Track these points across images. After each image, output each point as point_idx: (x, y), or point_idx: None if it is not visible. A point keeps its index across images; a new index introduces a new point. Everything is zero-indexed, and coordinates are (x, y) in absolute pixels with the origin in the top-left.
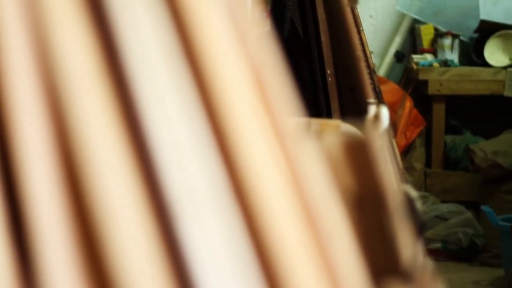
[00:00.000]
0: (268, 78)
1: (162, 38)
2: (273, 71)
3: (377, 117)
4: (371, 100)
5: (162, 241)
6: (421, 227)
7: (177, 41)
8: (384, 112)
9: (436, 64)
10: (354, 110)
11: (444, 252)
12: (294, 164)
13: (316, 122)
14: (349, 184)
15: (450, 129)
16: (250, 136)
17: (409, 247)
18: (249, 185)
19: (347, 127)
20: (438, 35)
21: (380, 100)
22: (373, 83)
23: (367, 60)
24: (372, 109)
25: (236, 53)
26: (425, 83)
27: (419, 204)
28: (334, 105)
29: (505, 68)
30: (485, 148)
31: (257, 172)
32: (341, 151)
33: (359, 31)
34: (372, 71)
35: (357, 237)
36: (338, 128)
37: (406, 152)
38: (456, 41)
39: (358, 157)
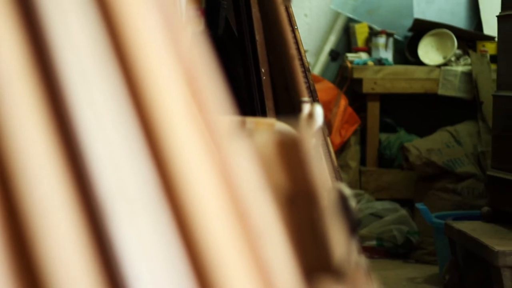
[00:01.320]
0: (200, 78)
1: (92, 36)
2: (205, 70)
3: (311, 115)
4: (306, 98)
5: (93, 239)
6: (355, 225)
7: (107, 40)
8: (318, 110)
9: (370, 63)
10: (288, 109)
11: (379, 250)
12: (226, 162)
13: (250, 120)
14: (281, 182)
15: (384, 127)
16: (181, 134)
17: (341, 245)
18: (180, 183)
19: (281, 126)
20: (373, 33)
21: (314, 99)
22: (307, 82)
23: (301, 59)
24: (306, 108)
25: (168, 52)
26: (359, 81)
27: (353, 202)
28: (269, 103)
29: (439, 66)
30: (419, 146)
31: (188, 171)
32: (273, 150)
33: (293, 30)
34: (306, 70)
35: (289, 235)
36: (272, 127)
37: (341, 150)
38: (391, 40)
39: (290, 155)
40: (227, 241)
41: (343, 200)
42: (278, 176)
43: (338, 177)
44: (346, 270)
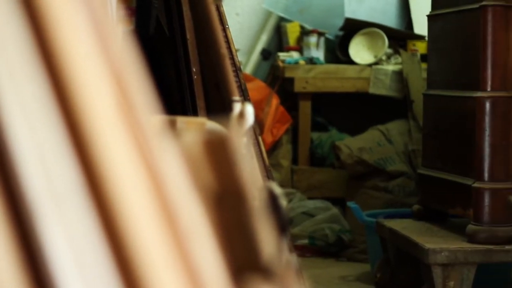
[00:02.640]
0: (129, 77)
1: (19, 36)
2: (135, 70)
3: (242, 114)
4: (237, 97)
5: (20, 239)
6: (286, 223)
7: (33, 39)
8: (249, 109)
9: (302, 62)
10: (219, 108)
11: (311, 248)
12: (154, 162)
13: (181, 120)
14: (208, 181)
15: (316, 126)
16: (109, 135)
17: (270, 244)
18: (107, 183)
19: (212, 125)
20: (304, 33)
21: (245, 98)
22: (238, 81)
23: (232, 58)
24: (237, 107)
25: (97, 52)
26: (291, 80)
27: (283, 201)
28: (200, 103)
29: (370, 65)
30: (350, 145)
31: (116, 171)
32: (201, 149)
33: (224, 29)
34: (238, 69)
35: (217, 234)
36: (203, 126)
37: (272, 149)
38: (322, 39)
39: (218, 154)
40: (155, 240)
41: (273, 199)
42: (206, 176)
43: (269, 176)
44: (275, 269)
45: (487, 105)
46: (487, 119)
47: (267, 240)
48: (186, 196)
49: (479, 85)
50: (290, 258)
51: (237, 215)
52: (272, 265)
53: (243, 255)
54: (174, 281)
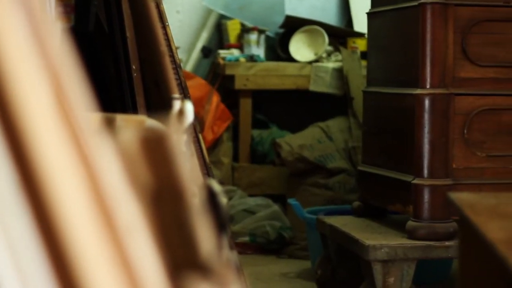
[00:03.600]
0: (66, 76)
1: None
2: (72, 68)
3: (181, 112)
4: (176, 95)
5: None
6: (225, 221)
7: None
8: (189, 107)
9: (242, 59)
10: (159, 105)
11: (252, 245)
12: (90, 160)
13: (120, 118)
14: (145, 179)
15: (257, 124)
16: (46, 132)
17: (209, 241)
18: (43, 182)
19: (152, 123)
20: (245, 30)
21: (186, 95)
22: (178, 78)
23: (172, 56)
24: (177, 104)
25: (34, 50)
26: (232, 78)
27: (223, 198)
28: (140, 100)
29: (310, 63)
30: (291, 142)
31: (53, 168)
32: (138, 147)
33: (164, 27)
34: (178, 67)
35: (155, 232)
36: (142, 124)
37: (213, 146)
38: (262, 36)
39: (155, 152)
40: (91, 238)
41: (213, 196)
42: (143, 173)
43: (209, 173)
44: (213, 266)
45: (426, 102)
46: (426, 116)
47: (206, 237)
48: (123, 193)
49: (418, 82)
50: (230, 256)
51: (175, 212)
52: (210, 263)
53: (181, 252)
54: (111, 278)
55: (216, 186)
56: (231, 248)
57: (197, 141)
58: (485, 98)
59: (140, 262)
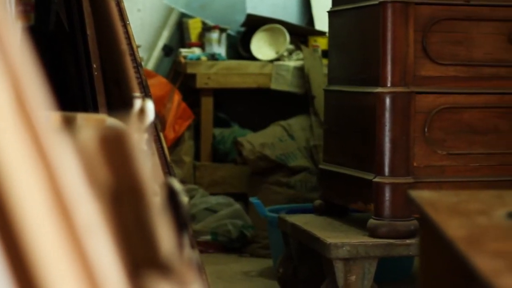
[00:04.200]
0: (25, 75)
1: None
2: (31, 68)
3: (142, 110)
4: (137, 94)
5: None
6: (186, 219)
7: None
8: (150, 105)
9: (204, 58)
10: (120, 104)
11: (214, 244)
12: (48, 160)
13: (81, 117)
14: (104, 178)
15: (218, 122)
16: (3, 132)
17: (169, 240)
18: (1, 181)
19: (112, 121)
20: (206, 29)
21: (147, 94)
22: (139, 77)
23: (133, 54)
24: (137, 103)
25: None
26: (193, 76)
27: (184, 197)
28: (101, 99)
29: (271, 61)
30: (252, 141)
31: (11, 167)
32: (97, 146)
33: (125, 25)
34: (138, 65)
35: (114, 231)
36: (102, 123)
37: (175, 145)
38: (224, 35)
39: (115, 151)
40: (50, 238)
41: (173, 195)
42: (102, 172)
43: (171, 172)
44: (174, 265)
45: (387, 100)
46: (387, 114)
47: (166, 236)
48: (82, 193)
49: (379, 81)
50: (191, 254)
51: (135, 211)
52: (170, 262)
53: (141, 251)
54: (70, 279)
55: (177, 185)
56: (192, 247)
57: (158, 140)
58: (445, 97)
59: (99, 261)
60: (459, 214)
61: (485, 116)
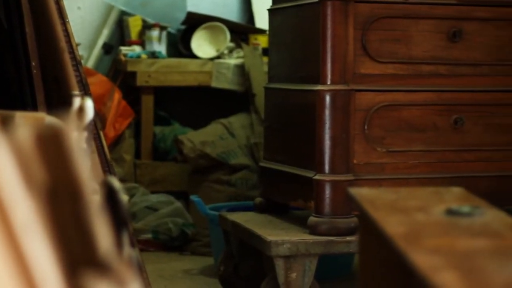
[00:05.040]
0: None
1: None
2: None
3: (81, 109)
4: (76, 92)
5: None
6: (126, 218)
7: None
8: (89, 104)
9: (144, 56)
10: (60, 103)
11: (155, 243)
12: None
13: (19, 115)
14: (41, 177)
15: (159, 120)
16: None
17: (107, 238)
18: None
19: (50, 120)
20: (146, 27)
21: (86, 92)
22: (79, 75)
23: (73, 52)
24: (76, 101)
25: None
26: (133, 74)
27: (124, 196)
28: (40, 97)
29: (212, 59)
30: (193, 139)
31: None
32: (34, 144)
33: (64, 23)
34: (78, 63)
35: (52, 230)
36: (41, 121)
37: (115, 143)
38: (164, 33)
39: (52, 149)
40: None
41: (112, 193)
42: (39, 171)
43: (111, 170)
44: (112, 264)
45: (327, 98)
46: (327, 112)
47: (104, 235)
48: (18, 192)
49: (319, 79)
50: (131, 253)
51: (73, 210)
52: (109, 260)
53: (79, 250)
54: (6, 277)
55: (116, 183)
56: (132, 245)
57: (98, 138)
58: (385, 94)
59: (36, 261)
60: (398, 211)
61: (424, 113)
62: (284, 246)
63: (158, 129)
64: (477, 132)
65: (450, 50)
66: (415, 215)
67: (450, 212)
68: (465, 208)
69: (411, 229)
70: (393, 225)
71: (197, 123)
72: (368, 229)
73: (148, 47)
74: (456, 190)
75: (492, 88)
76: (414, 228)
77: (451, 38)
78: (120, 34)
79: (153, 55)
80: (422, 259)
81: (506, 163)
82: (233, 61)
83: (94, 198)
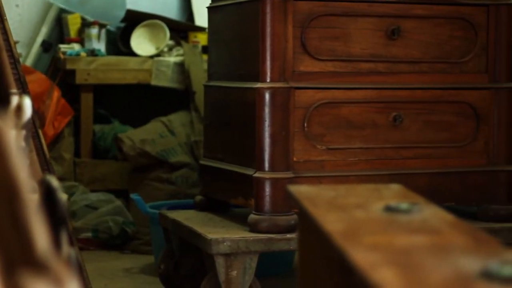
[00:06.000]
0: None
1: None
2: None
3: (19, 107)
4: (14, 90)
5: None
6: (64, 217)
7: None
8: (27, 102)
9: (83, 54)
10: None
11: (95, 241)
12: None
13: None
14: None
15: (98, 119)
16: None
17: (45, 237)
18: None
19: None
20: (85, 24)
21: (24, 90)
22: (17, 73)
23: (10, 50)
24: (14, 100)
25: None
26: (72, 72)
27: (62, 194)
28: None
29: (151, 57)
30: (133, 137)
31: None
32: None
33: (2, 20)
34: (16, 61)
35: None
36: None
37: (54, 142)
38: (103, 31)
39: None
40: None
41: (50, 192)
42: None
43: (50, 169)
44: (50, 263)
45: (267, 96)
46: (266, 109)
47: (42, 234)
48: None
49: (259, 76)
50: (70, 252)
51: (9, 208)
52: (46, 259)
53: (16, 249)
54: None
55: (54, 182)
56: (72, 244)
57: (36, 137)
58: (324, 92)
59: None
60: (337, 208)
61: (363, 111)
62: (225, 244)
63: (97, 128)
64: (416, 129)
65: (388, 47)
66: (354, 212)
67: (389, 209)
68: (404, 205)
69: (350, 226)
70: (332, 222)
71: (137, 121)
72: (308, 226)
73: (87, 45)
74: (395, 187)
75: (430, 86)
76: (353, 225)
77: (390, 36)
78: (59, 32)
79: (92, 53)
80: (360, 256)
81: (444, 160)
82: (172, 59)
83: (32, 197)
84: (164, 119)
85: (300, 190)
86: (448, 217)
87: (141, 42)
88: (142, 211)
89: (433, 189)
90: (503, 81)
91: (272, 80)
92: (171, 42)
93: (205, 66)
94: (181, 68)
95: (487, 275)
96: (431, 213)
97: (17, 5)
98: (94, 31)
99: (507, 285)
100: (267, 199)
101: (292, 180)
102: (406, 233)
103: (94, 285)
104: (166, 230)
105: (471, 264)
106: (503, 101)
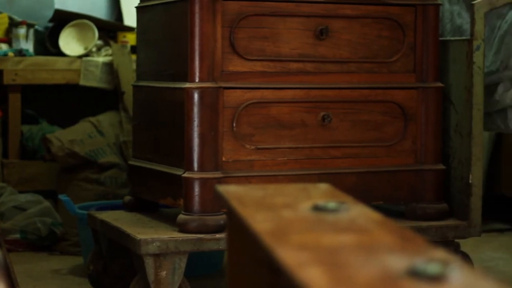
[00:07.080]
0: None
1: None
2: None
3: None
4: None
5: None
6: None
7: None
8: None
9: (11, 54)
10: None
11: (23, 243)
12: None
13: None
14: None
15: (26, 119)
16: None
17: None
18: None
19: None
20: (13, 24)
21: None
22: None
23: None
24: None
25: None
26: (0, 73)
27: None
28: None
29: (80, 57)
30: (61, 137)
31: None
32: None
33: None
34: None
35: None
36: None
37: None
38: (31, 31)
39: None
40: None
41: None
42: None
43: None
44: None
45: (195, 95)
46: (195, 109)
47: None
48: None
49: (187, 76)
50: None
51: None
52: None
53: None
54: None
55: None
56: None
57: None
58: (253, 92)
59: None
60: (265, 207)
61: (292, 110)
62: (154, 244)
63: (25, 128)
64: (344, 129)
65: (317, 47)
66: (282, 212)
67: (317, 208)
68: (331, 204)
69: (278, 226)
70: (260, 222)
71: (66, 122)
72: (236, 226)
73: (15, 45)
74: (323, 187)
75: (358, 85)
76: (281, 224)
77: (318, 36)
78: None
79: (20, 53)
80: (288, 255)
81: (372, 160)
82: (101, 59)
83: None
84: (93, 119)
85: (229, 190)
86: (375, 216)
87: (70, 42)
88: (71, 212)
89: (361, 188)
90: (430, 81)
91: (200, 80)
92: (99, 42)
93: (134, 66)
94: (110, 68)
95: (413, 273)
96: (358, 212)
97: None
98: (22, 31)
99: (433, 283)
100: (196, 199)
101: (221, 180)
102: (334, 232)
103: (23, 287)
104: (94, 231)
105: (397, 262)
106: (430, 100)
